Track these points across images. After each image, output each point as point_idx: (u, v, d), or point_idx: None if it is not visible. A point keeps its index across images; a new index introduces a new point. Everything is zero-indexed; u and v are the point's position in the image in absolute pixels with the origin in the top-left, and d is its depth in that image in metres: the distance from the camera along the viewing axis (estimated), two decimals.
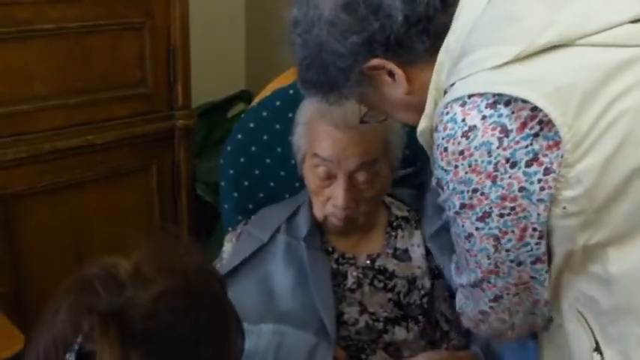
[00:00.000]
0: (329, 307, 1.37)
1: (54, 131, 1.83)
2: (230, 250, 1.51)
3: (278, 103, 1.61)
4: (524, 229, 0.94)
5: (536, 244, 0.96)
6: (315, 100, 1.13)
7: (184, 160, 2.07)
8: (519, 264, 0.98)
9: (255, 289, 1.41)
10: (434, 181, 1.00)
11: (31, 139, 1.80)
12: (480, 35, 0.95)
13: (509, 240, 0.96)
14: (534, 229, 0.94)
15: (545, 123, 0.88)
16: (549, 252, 0.98)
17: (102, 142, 1.91)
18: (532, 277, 1.00)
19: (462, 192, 0.95)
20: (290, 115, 1.56)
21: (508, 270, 0.99)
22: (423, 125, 1.02)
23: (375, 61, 1.01)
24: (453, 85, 0.95)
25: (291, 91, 1.59)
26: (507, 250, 0.97)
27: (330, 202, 1.38)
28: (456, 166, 0.93)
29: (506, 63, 0.90)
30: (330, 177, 1.36)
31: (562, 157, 0.89)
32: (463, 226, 0.98)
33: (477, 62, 0.92)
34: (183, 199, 2.10)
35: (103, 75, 1.88)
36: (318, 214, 1.42)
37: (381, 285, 1.43)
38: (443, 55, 0.99)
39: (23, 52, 1.75)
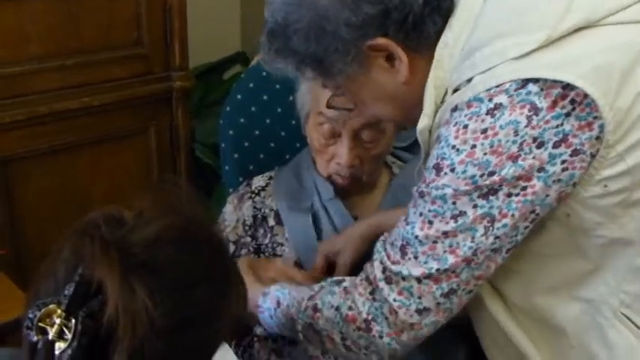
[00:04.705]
0: None
1: (51, 93, 1.82)
2: (232, 211, 1.49)
3: None
4: (523, 213, 0.90)
5: (525, 228, 0.92)
6: (285, 72, 1.02)
7: (182, 122, 2.07)
8: (495, 251, 0.93)
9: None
10: (431, 163, 0.93)
11: (28, 101, 1.79)
12: (492, 27, 0.91)
13: (504, 225, 0.90)
14: (532, 211, 0.90)
15: (578, 103, 0.85)
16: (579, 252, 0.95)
17: (99, 104, 1.90)
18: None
19: (474, 176, 0.88)
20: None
21: (482, 260, 0.93)
22: (422, 124, 0.97)
23: (381, 41, 0.93)
24: (470, 80, 0.90)
25: None
26: (496, 237, 0.91)
27: (334, 160, 1.36)
28: (474, 146, 0.87)
29: (532, 51, 0.86)
30: (334, 135, 1.33)
31: (596, 138, 0.86)
32: (455, 203, 0.90)
33: (497, 53, 0.88)
34: (182, 160, 2.10)
35: (99, 35, 1.87)
36: (322, 172, 1.40)
37: None
38: (440, 52, 0.94)
39: (18, 12, 1.73)
